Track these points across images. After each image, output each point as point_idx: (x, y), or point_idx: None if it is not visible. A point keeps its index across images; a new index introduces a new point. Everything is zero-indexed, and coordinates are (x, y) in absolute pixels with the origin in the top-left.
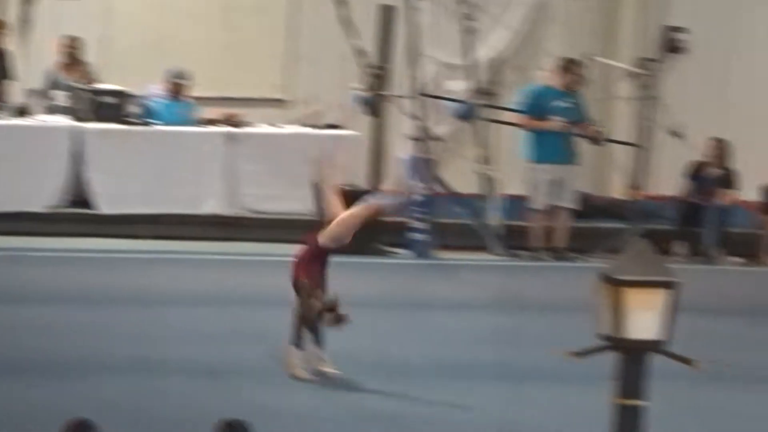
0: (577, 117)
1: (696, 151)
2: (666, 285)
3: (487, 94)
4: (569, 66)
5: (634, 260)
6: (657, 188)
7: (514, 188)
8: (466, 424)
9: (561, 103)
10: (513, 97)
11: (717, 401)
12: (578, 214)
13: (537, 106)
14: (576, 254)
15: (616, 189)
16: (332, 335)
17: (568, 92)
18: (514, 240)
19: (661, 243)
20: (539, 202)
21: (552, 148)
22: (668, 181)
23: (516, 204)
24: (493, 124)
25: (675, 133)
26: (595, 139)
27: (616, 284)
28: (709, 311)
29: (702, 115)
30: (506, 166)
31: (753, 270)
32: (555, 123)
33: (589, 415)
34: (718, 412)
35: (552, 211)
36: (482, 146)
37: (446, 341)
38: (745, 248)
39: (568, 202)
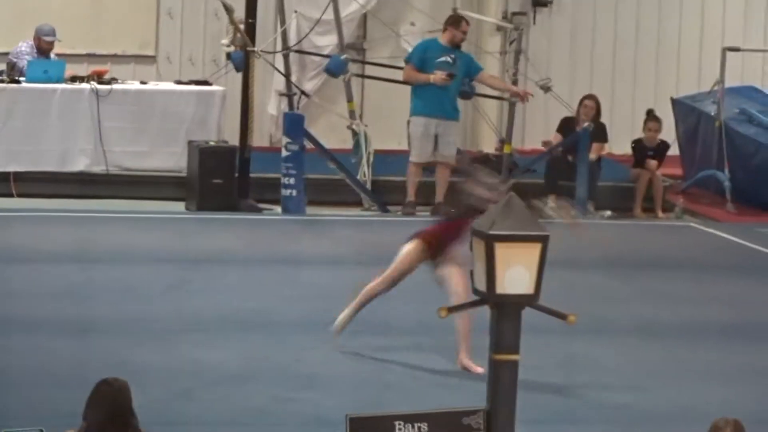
0: (462, 72)
1: (565, 104)
2: (538, 239)
3: (355, 49)
4: (457, 22)
5: (506, 215)
6: (527, 142)
7: (386, 143)
8: (339, 376)
9: (446, 58)
10: (381, 51)
11: (589, 353)
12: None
13: (422, 60)
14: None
15: (487, 143)
16: (204, 293)
17: (453, 48)
18: (387, 195)
19: (532, 197)
20: (417, 155)
21: (434, 103)
22: (539, 135)
23: (387, 159)
24: (363, 79)
25: (544, 87)
26: (519, 96)
27: (487, 239)
28: (582, 265)
29: (570, 68)
30: (377, 120)
31: (624, 223)
32: (439, 76)
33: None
34: (591, 364)
35: (430, 165)
36: (352, 101)
37: (318, 297)
38: (617, 201)
39: (448, 157)
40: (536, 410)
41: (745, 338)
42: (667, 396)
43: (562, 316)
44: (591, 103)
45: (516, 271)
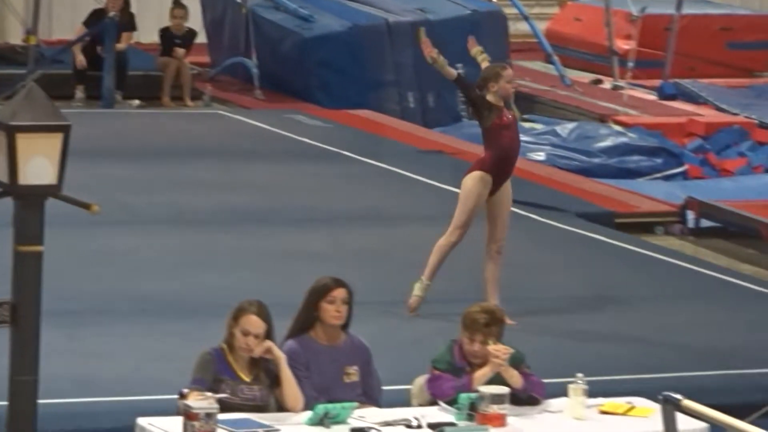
0: None
1: None
2: (59, 129)
3: None
4: None
5: (27, 105)
6: (54, 33)
7: None
8: None
9: None
10: None
11: (120, 244)
12: None
13: None
14: None
15: (12, 34)
16: None
17: None
18: None
19: (60, 88)
20: None
21: None
22: (66, 26)
23: None
24: None
25: None
26: None
27: (8, 130)
28: (110, 154)
29: None
30: None
31: (153, 112)
32: None
33: None
34: (121, 255)
35: None
36: None
37: None
38: (145, 90)
39: None
40: (64, 301)
41: (274, 223)
42: (198, 282)
43: (85, 206)
44: None
45: (38, 162)
